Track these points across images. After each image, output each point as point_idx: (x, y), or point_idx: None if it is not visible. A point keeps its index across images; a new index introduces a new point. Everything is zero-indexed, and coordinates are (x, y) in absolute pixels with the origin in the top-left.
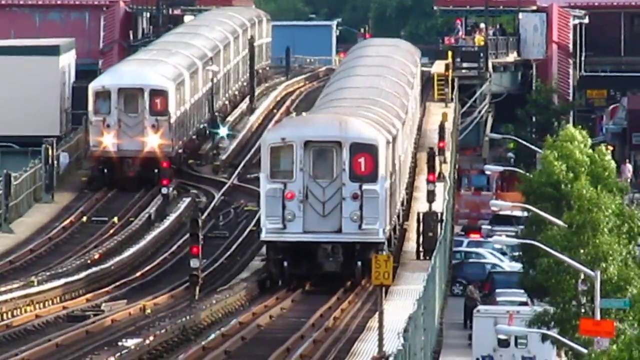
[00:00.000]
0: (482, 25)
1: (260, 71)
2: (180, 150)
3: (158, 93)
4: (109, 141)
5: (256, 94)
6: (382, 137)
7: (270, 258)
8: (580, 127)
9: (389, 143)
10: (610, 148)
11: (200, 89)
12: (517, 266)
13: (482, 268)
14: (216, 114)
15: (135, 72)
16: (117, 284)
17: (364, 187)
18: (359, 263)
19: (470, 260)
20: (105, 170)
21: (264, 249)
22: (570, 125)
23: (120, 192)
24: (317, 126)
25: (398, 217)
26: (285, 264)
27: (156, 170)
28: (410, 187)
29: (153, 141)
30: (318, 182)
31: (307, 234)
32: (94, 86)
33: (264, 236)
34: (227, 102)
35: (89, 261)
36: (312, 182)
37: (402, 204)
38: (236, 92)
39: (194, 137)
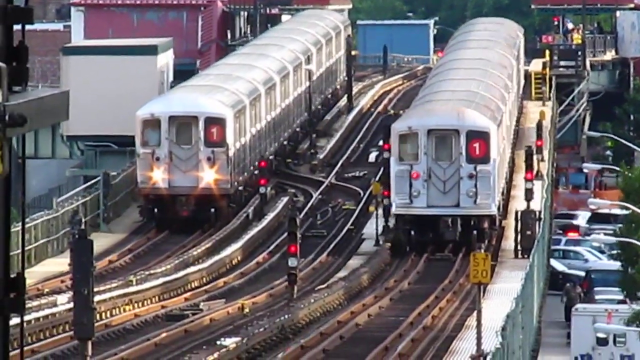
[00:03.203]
0: (570, 25)
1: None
2: (240, 188)
3: (214, 121)
4: (158, 176)
5: (353, 92)
6: (494, 125)
7: (399, 228)
8: None
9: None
10: None
11: (264, 117)
12: (616, 264)
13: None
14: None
15: (189, 98)
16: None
17: (479, 167)
18: (475, 232)
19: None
20: (156, 210)
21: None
22: None
23: None
24: (438, 116)
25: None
26: (412, 233)
27: (213, 210)
28: (509, 184)
29: (208, 176)
30: (439, 164)
31: (430, 208)
32: (141, 114)
33: (394, 210)
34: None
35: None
36: (434, 164)
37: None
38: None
39: (256, 171)
